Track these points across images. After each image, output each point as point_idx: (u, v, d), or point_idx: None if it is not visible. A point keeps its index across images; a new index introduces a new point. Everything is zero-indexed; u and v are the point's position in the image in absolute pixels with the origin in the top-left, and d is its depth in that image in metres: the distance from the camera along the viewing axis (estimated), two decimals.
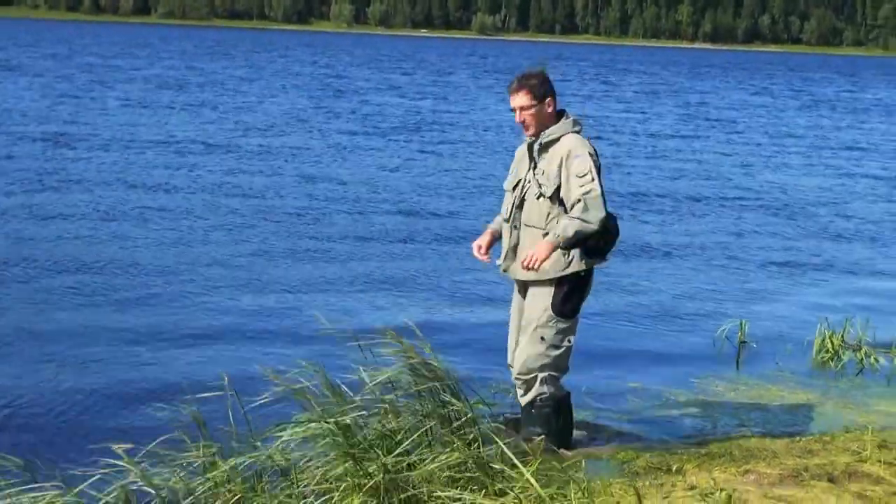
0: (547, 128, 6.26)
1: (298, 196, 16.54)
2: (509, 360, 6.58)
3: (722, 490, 5.68)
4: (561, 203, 6.17)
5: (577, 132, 6.27)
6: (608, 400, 7.61)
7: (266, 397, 5.38)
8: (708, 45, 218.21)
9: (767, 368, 8.66)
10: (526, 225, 6.32)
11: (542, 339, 6.25)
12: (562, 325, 6.26)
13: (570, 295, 6.25)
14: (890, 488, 5.89)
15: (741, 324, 9.40)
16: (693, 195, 18.93)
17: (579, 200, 6.05)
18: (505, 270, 6.50)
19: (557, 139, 6.22)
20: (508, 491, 4.80)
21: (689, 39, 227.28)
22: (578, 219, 6.01)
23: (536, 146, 6.29)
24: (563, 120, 6.30)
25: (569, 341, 6.31)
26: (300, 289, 10.73)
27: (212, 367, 7.58)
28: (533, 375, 6.30)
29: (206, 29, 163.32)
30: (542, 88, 6.26)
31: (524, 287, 6.41)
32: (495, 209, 6.85)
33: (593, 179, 6.07)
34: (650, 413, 7.49)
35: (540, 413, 6.35)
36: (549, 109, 6.28)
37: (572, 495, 4.98)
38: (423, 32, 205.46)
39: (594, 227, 6.01)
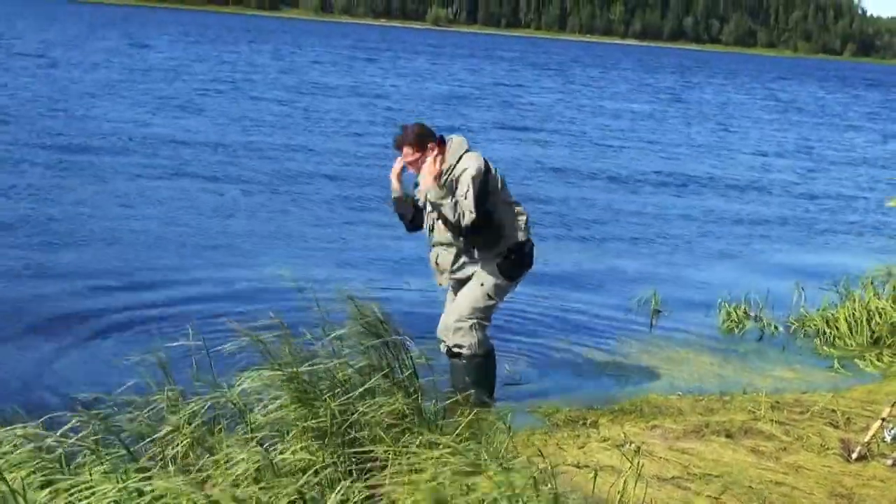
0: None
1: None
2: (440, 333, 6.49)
3: (632, 442, 5.71)
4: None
5: (468, 150, 6.19)
6: (533, 360, 7.57)
7: (228, 345, 5.27)
8: (636, 42, 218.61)
9: (676, 334, 8.65)
10: (440, 244, 6.36)
11: (482, 284, 6.24)
12: (500, 282, 6.26)
13: (513, 264, 6.26)
14: (780, 444, 5.93)
15: (654, 293, 9.40)
16: (602, 174, 18.89)
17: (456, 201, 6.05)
18: (440, 284, 6.54)
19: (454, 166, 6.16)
20: (440, 439, 4.64)
21: (620, 35, 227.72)
22: (456, 203, 6.02)
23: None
24: (451, 146, 6.21)
25: (499, 298, 6.33)
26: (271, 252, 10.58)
27: (181, 320, 7.31)
28: (469, 323, 6.25)
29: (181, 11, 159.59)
30: (421, 139, 6.17)
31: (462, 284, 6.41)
32: None
33: (466, 197, 6.03)
34: (570, 371, 7.47)
35: (471, 362, 6.32)
36: (434, 153, 6.17)
37: (498, 443, 4.93)
38: (383, 22, 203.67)
39: (457, 220, 6.03)
